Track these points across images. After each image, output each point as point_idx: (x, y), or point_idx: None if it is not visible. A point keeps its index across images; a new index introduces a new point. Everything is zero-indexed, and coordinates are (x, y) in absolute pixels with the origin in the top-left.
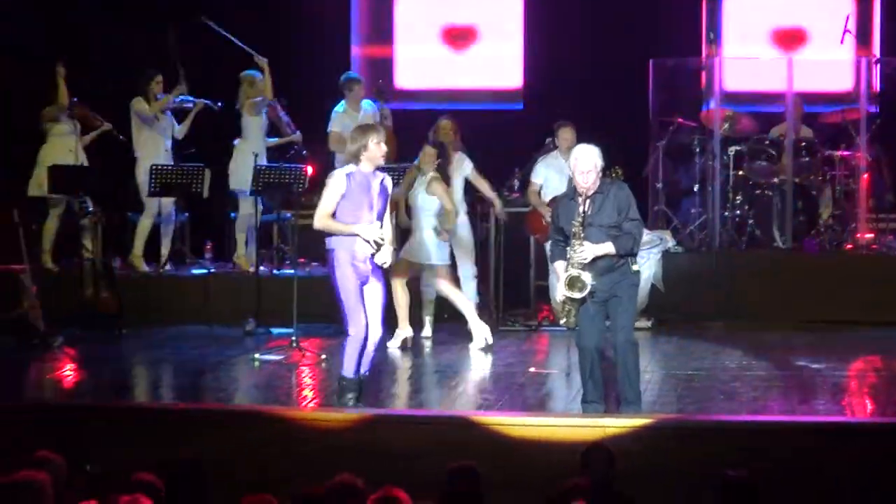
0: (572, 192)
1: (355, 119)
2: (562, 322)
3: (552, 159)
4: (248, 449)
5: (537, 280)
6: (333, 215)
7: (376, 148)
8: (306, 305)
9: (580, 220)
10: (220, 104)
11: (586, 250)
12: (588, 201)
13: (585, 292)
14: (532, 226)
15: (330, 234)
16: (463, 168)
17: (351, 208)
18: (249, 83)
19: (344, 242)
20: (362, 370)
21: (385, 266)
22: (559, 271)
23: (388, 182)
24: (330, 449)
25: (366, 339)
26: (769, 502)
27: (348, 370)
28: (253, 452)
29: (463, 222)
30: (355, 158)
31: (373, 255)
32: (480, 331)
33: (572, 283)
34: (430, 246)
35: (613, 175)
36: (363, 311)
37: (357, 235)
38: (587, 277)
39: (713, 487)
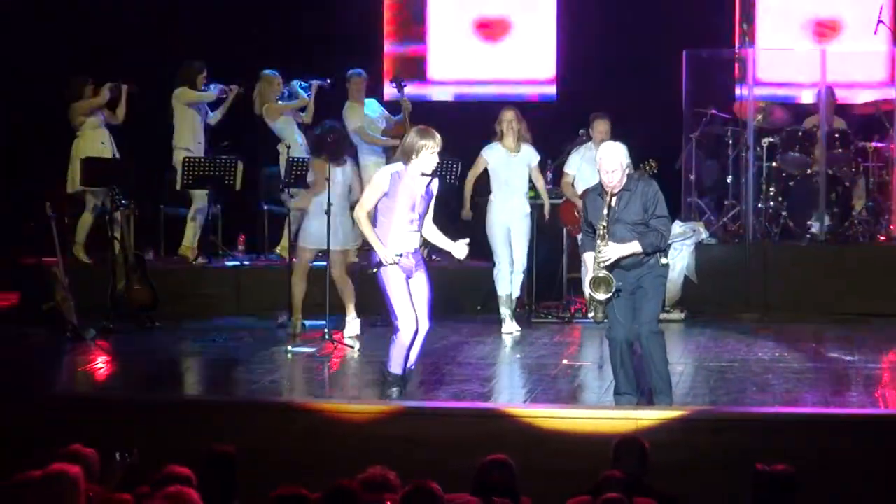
0: (600, 186)
1: (359, 112)
2: (590, 316)
3: (586, 150)
4: (281, 441)
5: (570, 272)
6: (375, 210)
7: (430, 156)
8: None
9: (605, 220)
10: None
11: (610, 251)
12: (614, 198)
13: (609, 294)
14: (565, 217)
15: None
16: (530, 158)
17: (391, 205)
18: (268, 82)
19: (386, 239)
20: (409, 365)
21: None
22: (588, 263)
23: (435, 186)
24: (363, 441)
25: (415, 334)
26: (803, 495)
27: (395, 366)
28: (285, 445)
29: (526, 213)
30: (407, 157)
31: (416, 250)
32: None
33: (597, 284)
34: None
35: (647, 168)
36: (412, 307)
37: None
38: (611, 279)
39: (749, 481)
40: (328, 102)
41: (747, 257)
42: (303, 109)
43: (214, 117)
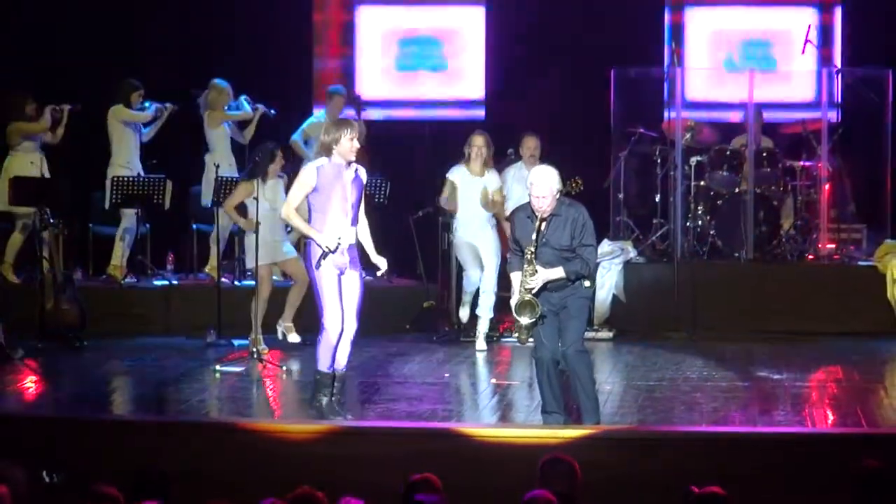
0: (530, 207)
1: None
2: (514, 337)
3: (516, 170)
4: (210, 461)
5: (499, 291)
6: (309, 209)
7: (349, 143)
8: (267, 316)
9: (534, 245)
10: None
11: (537, 279)
12: (544, 223)
13: (534, 318)
14: (504, 238)
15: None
16: (492, 184)
17: (323, 200)
18: (217, 91)
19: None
20: (339, 366)
21: (383, 274)
22: (515, 282)
23: (363, 173)
24: (291, 461)
25: (342, 333)
26: None
27: (323, 364)
28: (214, 464)
29: (491, 237)
30: (327, 151)
31: (338, 248)
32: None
33: (522, 308)
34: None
35: (574, 185)
36: (340, 305)
37: (319, 237)
38: (536, 303)
39: (678, 500)
40: (273, 128)
41: (675, 276)
42: (243, 126)
43: (147, 134)
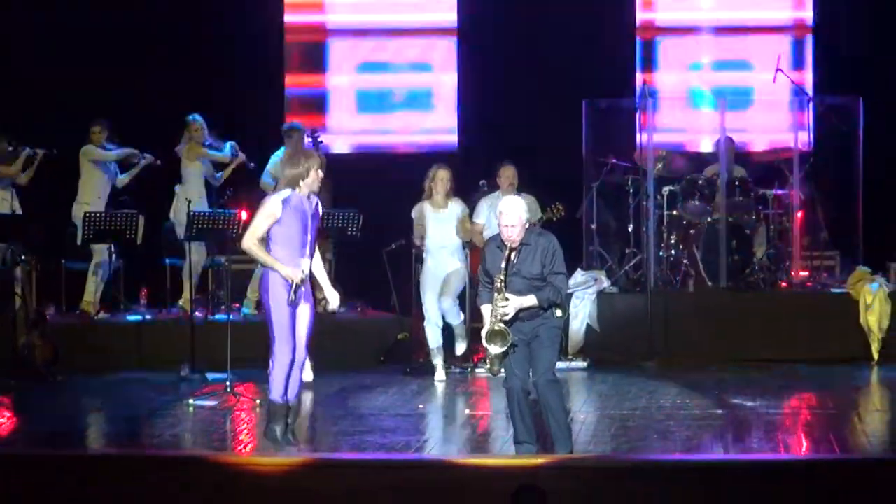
0: (500, 238)
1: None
2: (485, 369)
3: (494, 199)
4: (183, 495)
5: (472, 322)
6: (267, 240)
7: (315, 175)
8: (241, 350)
9: (503, 273)
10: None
11: (509, 306)
12: (514, 252)
13: (505, 347)
14: (476, 266)
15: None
16: (458, 212)
17: (286, 233)
18: (194, 129)
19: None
20: (290, 395)
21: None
22: (485, 315)
23: (320, 206)
24: (264, 494)
25: (293, 362)
26: None
27: (276, 393)
28: (188, 498)
29: (458, 269)
30: (294, 183)
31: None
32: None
33: (492, 337)
34: None
35: (555, 211)
36: (292, 335)
37: (279, 271)
38: (507, 332)
39: None
40: (250, 174)
41: (649, 305)
42: (218, 168)
43: (122, 179)
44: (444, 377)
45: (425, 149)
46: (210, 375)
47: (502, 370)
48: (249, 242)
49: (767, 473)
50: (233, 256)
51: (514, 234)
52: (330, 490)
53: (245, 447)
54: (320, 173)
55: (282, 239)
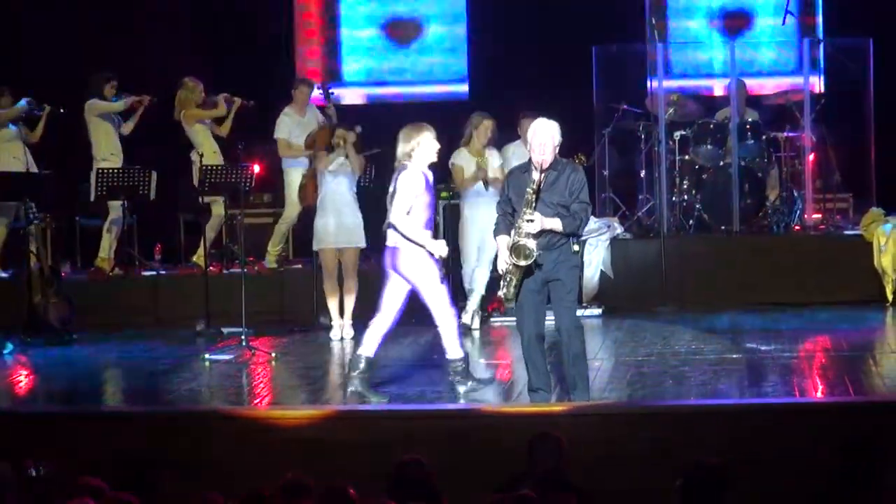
0: (527, 165)
1: (300, 122)
2: (502, 294)
3: (516, 148)
4: (200, 449)
5: (492, 271)
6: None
7: (434, 143)
8: (256, 304)
9: (536, 188)
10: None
11: (536, 222)
12: (542, 175)
13: (531, 261)
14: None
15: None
16: (495, 162)
17: (421, 207)
18: (189, 89)
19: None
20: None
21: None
22: (502, 245)
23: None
24: (281, 447)
25: (460, 316)
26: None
27: (455, 352)
28: (204, 452)
29: None
30: (408, 157)
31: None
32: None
33: (518, 250)
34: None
35: (577, 161)
36: (447, 292)
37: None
38: (533, 245)
39: (667, 473)
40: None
41: (662, 251)
42: (220, 121)
43: (127, 126)
44: (468, 321)
45: (437, 98)
46: (226, 330)
47: (515, 298)
48: (404, 222)
49: (783, 417)
50: (248, 210)
51: (545, 153)
52: (344, 441)
53: (262, 401)
54: (437, 144)
55: (418, 212)
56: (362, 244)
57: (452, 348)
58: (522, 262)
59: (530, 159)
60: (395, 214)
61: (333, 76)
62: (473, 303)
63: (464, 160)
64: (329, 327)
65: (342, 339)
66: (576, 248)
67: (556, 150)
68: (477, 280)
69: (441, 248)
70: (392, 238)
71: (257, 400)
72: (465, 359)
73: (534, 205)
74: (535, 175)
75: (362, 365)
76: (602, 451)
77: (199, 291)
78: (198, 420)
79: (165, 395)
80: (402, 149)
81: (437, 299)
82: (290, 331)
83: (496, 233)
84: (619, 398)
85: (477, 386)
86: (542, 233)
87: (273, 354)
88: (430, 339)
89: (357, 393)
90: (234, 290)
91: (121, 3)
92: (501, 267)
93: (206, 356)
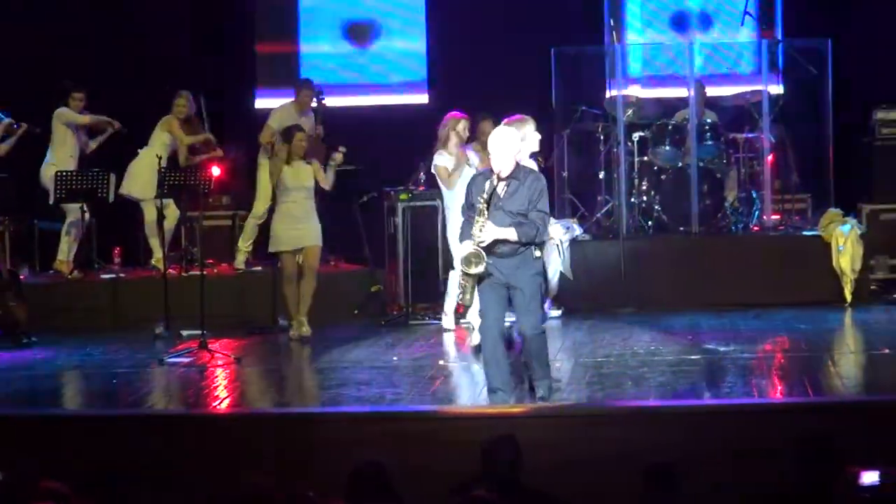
0: (489, 171)
1: (297, 120)
2: (458, 300)
3: (471, 153)
4: (160, 452)
5: (445, 273)
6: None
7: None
8: (215, 306)
9: (487, 197)
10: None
11: (487, 231)
12: (502, 183)
13: (481, 269)
14: None
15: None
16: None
17: None
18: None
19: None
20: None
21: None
22: (463, 252)
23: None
24: (240, 449)
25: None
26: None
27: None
28: (165, 456)
29: None
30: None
31: None
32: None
33: (468, 259)
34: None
35: (538, 163)
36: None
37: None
38: (484, 255)
39: (627, 476)
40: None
41: (622, 252)
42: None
43: (91, 145)
44: (452, 325)
45: (396, 102)
46: (185, 332)
47: (474, 302)
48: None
49: (741, 417)
50: (207, 213)
51: (503, 164)
52: (304, 443)
53: (220, 402)
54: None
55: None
56: (319, 243)
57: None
58: (472, 271)
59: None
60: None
61: (290, 80)
62: (450, 305)
63: (445, 160)
64: (286, 329)
65: (301, 338)
66: (537, 253)
67: (516, 159)
68: (452, 282)
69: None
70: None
71: (216, 402)
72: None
73: (485, 214)
74: (488, 185)
75: None
76: (561, 452)
77: (158, 294)
78: (158, 423)
79: (125, 398)
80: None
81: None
82: (249, 333)
83: (461, 238)
84: (579, 399)
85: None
86: (501, 241)
87: (233, 357)
88: (390, 341)
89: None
90: (193, 293)
91: (86, 12)
92: (458, 268)
93: (165, 359)
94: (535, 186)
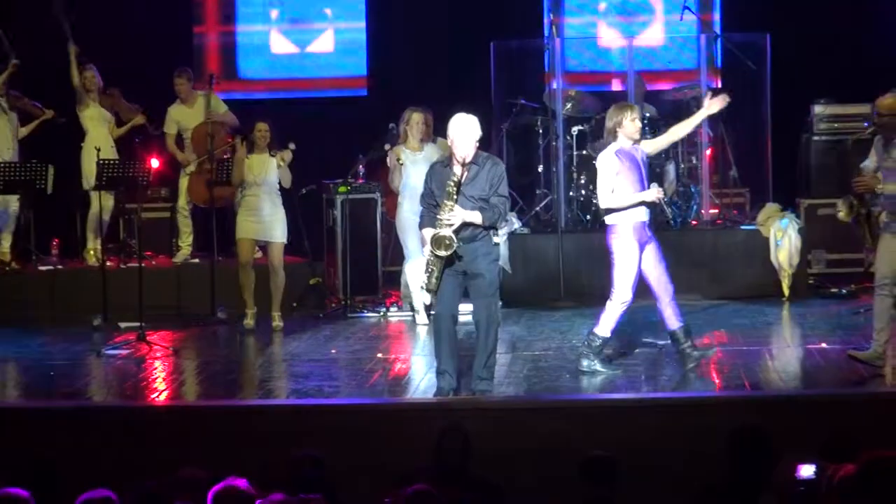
0: (447, 159)
1: (185, 113)
2: (422, 287)
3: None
4: (97, 444)
5: (384, 266)
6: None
7: (631, 124)
8: (153, 299)
9: (457, 181)
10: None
11: (456, 214)
12: (463, 170)
13: (451, 251)
14: (392, 211)
15: (610, 211)
16: (435, 154)
17: (626, 184)
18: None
19: (628, 216)
20: (682, 322)
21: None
22: (427, 238)
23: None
24: (178, 440)
25: (629, 305)
26: (620, 478)
27: (603, 329)
28: (102, 447)
29: None
30: (613, 135)
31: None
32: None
33: (439, 241)
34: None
35: None
36: (635, 281)
37: (642, 203)
38: (453, 236)
39: (566, 467)
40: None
41: (560, 246)
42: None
43: (22, 132)
44: (423, 321)
45: (335, 95)
46: (123, 325)
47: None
48: (607, 201)
49: (678, 411)
50: (145, 205)
51: (468, 150)
52: (241, 435)
53: (158, 395)
54: (637, 122)
55: (625, 189)
56: (283, 239)
57: (604, 325)
58: (442, 253)
59: (451, 154)
60: (601, 198)
61: (230, 73)
62: (418, 300)
63: (401, 156)
64: (225, 321)
65: (253, 328)
66: (496, 239)
67: (477, 145)
68: (410, 276)
69: (653, 193)
70: (608, 217)
71: (154, 395)
72: (606, 341)
73: (455, 198)
74: (457, 169)
75: (597, 343)
76: (500, 444)
77: (97, 286)
78: (94, 415)
79: (62, 390)
80: (606, 126)
81: (623, 278)
82: (187, 325)
83: (421, 225)
84: (517, 392)
85: (598, 369)
86: (463, 225)
87: (171, 349)
88: (328, 334)
89: (592, 370)
90: (131, 285)
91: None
92: (425, 255)
93: (103, 351)
94: (494, 171)
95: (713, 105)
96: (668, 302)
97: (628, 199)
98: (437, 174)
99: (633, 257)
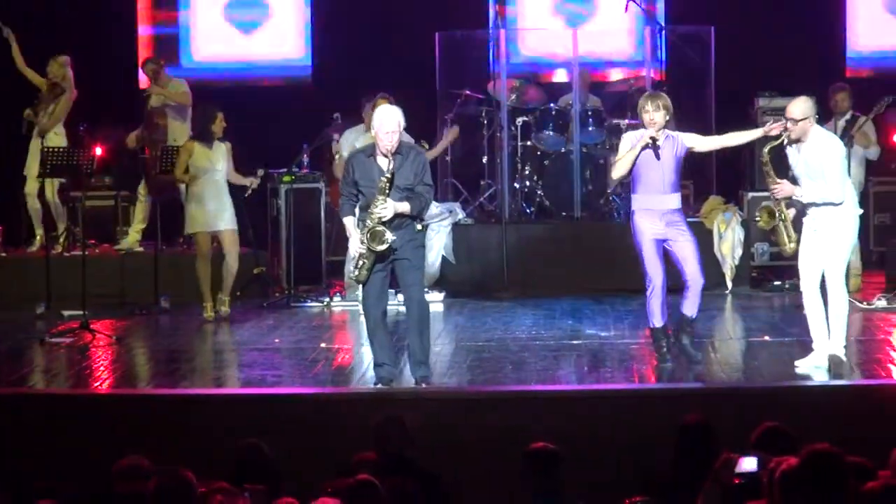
0: (370, 149)
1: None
2: (353, 276)
3: (359, 134)
4: (40, 433)
5: (328, 256)
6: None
7: (644, 115)
8: (96, 287)
9: (389, 175)
10: None
11: (389, 208)
12: (388, 161)
13: (387, 246)
14: (336, 199)
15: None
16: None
17: (637, 169)
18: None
19: (636, 203)
20: (690, 313)
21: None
22: (350, 226)
23: (669, 146)
24: (122, 430)
25: (663, 289)
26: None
27: (653, 320)
28: (45, 435)
29: None
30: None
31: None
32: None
33: (375, 235)
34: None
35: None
36: (658, 265)
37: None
38: (386, 232)
39: (506, 458)
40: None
41: (504, 237)
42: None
43: None
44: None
45: (279, 82)
46: (66, 313)
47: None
48: (616, 174)
49: (621, 402)
50: (89, 193)
51: (394, 140)
52: (185, 425)
53: (101, 383)
54: (647, 116)
55: (636, 175)
56: (234, 226)
57: (649, 315)
58: (379, 248)
59: (375, 143)
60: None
61: (173, 59)
62: None
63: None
64: (168, 310)
65: (217, 316)
66: (419, 227)
67: (401, 136)
68: None
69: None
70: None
71: (98, 383)
72: (657, 331)
73: (387, 192)
74: (383, 162)
75: (689, 326)
76: (442, 435)
77: (40, 274)
78: (37, 403)
79: (5, 378)
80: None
81: (643, 265)
82: (131, 313)
83: (343, 214)
84: (460, 383)
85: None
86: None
87: (114, 337)
88: (272, 323)
89: (686, 352)
90: (74, 273)
91: None
92: (354, 250)
93: (47, 338)
94: (418, 161)
95: (773, 129)
96: (684, 294)
97: (622, 161)
98: (360, 164)
99: (641, 243)
